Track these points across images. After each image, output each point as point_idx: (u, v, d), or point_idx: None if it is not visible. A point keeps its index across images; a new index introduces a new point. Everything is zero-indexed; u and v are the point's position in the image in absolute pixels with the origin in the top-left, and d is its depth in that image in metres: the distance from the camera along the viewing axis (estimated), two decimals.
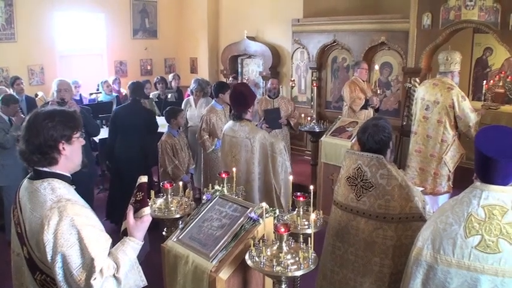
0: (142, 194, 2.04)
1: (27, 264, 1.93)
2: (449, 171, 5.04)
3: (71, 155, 1.98)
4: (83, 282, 1.75)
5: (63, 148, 1.94)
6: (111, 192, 5.79)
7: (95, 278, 1.74)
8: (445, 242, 1.95)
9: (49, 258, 1.78)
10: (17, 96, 6.37)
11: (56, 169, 1.95)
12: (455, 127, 4.94)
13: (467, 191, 1.99)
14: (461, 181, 3.81)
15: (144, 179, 2.11)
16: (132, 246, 1.92)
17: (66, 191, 1.92)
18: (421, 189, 3.95)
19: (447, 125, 4.91)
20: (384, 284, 2.67)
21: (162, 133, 5.50)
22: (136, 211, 1.99)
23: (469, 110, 4.86)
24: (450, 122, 4.91)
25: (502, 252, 1.85)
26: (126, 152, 5.38)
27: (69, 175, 2.01)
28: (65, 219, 1.78)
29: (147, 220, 1.99)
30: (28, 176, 2.00)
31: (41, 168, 1.94)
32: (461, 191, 2.07)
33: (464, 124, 4.86)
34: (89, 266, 1.76)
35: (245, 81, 8.93)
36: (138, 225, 1.96)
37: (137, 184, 2.09)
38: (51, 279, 1.86)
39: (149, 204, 2.14)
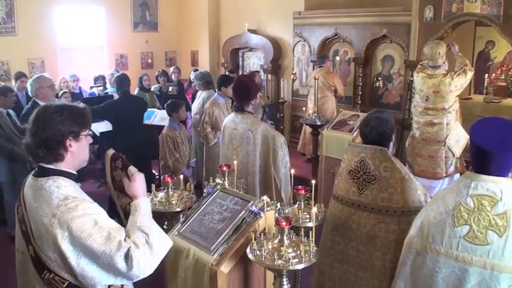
0: (120, 160, 2.13)
1: (33, 263, 1.87)
2: (457, 156, 5.14)
3: (77, 153, 1.91)
4: (123, 263, 1.74)
5: (69, 145, 1.87)
6: None
7: (132, 252, 1.75)
8: (434, 230, 1.94)
9: (74, 264, 1.75)
10: (18, 92, 6.40)
11: (61, 166, 1.88)
12: (458, 111, 5.09)
13: (459, 180, 1.99)
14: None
15: (110, 152, 2.24)
16: (142, 205, 1.91)
17: (72, 189, 1.86)
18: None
19: (451, 109, 5.01)
20: (386, 279, 2.66)
21: (155, 126, 5.46)
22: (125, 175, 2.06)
23: (464, 67, 5.00)
24: (453, 106, 5.02)
25: (491, 244, 1.84)
26: (131, 144, 5.36)
27: (75, 172, 1.95)
28: (76, 219, 1.74)
29: (138, 176, 2.01)
30: (32, 172, 1.94)
31: (45, 165, 1.87)
32: None
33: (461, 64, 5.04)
34: (120, 246, 1.75)
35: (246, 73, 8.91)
36: (135, 182, 1.99)
37: (109, 158, 2.22)
38: (59, 277, 1.81)
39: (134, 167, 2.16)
